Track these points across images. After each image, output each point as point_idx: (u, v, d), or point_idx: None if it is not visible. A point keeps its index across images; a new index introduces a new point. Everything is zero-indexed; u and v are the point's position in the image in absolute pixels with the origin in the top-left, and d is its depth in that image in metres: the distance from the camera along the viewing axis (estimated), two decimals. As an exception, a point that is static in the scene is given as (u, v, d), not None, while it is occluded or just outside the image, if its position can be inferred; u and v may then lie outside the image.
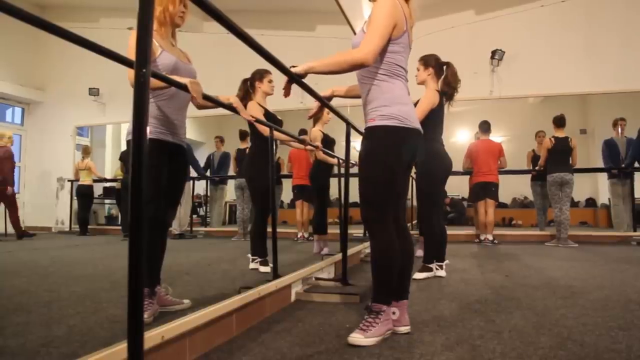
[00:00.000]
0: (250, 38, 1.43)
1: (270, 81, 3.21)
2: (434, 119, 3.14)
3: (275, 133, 2.77)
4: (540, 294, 2.46)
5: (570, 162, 5.48)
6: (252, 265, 3.10)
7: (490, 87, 6.77)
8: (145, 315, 1.57)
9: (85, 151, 7.53)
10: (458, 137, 10.52)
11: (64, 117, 8.32)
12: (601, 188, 8.95)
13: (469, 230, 6.41)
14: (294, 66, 1.74)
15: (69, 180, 8.10)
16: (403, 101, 1.74)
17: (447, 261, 3.26)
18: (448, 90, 3.20)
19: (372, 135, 1.74)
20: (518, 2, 6.70)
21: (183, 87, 1.69)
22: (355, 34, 4.64)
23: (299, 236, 5.85)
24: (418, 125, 1.77)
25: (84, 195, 7.35)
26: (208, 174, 7.23)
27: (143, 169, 0.98)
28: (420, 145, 1.82)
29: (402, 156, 1.75)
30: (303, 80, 1.78)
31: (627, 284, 2.71)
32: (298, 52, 6.55)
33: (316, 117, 4.18)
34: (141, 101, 0.99)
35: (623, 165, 5.87)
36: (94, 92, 8.13)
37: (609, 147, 6.08)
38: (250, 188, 3.31)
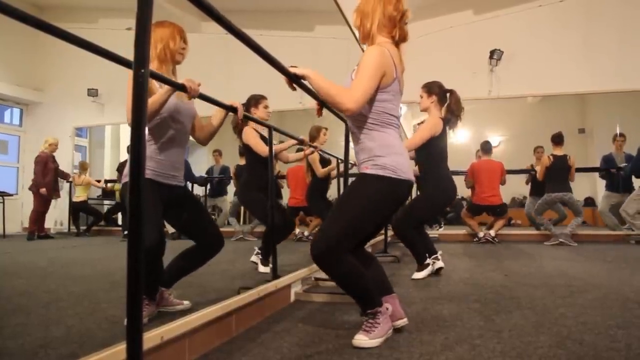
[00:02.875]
0: (248, 38, 1.43)
1: (265, 107, 3.20)
2: (437, 147, 3.17)
3: (275, 147, 2.77)
4: (539, 293, 2.46)
5: (569, 178, 5.53)
6: (253, 258, 3.17)
7: (489, 87, 6.78)
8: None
9: (83, 167, 7.55)
10: (457, 137, 10.53)
11: (62, 117, 8.30)
12: (599, 188, 8.97)
13: (468, 230, 6.41)
14: (293, 66, 1.73)
15: (67, 182, 8.08)
16: (397, 151, 1.70)
17: (440, 252, 3.29)
18: (451, 118, 3.22)
19: (363, 179, 1.70)
20: (516, 2, 6.71)
21: (181, 88, 1.69)
22: (354, 33, 4.63)
23: (296, 232, 5.85)
24: (410, 177, 1.73)
25: (78, 210, 7.43)
26: (208, 187, 7.22)
27: (141, 176, 0.98)
28: (409, 194, 1.78)
29: (386, 208, 1.72)
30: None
31: (625, 283, 2.72)
32: (297, 52, 6.57)
33: (312, 138, 4.21)
34: (140, 102, 0.99)
35: (622, 173, 5.81)
36: (92, 92, 8.12)
37: (607, 163, 6.06)
38: (249, 211, 3.35)
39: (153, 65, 1.89)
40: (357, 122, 1.72)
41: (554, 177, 5.49)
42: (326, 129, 4.31)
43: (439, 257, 3.24)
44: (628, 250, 4.60)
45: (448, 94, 3.25)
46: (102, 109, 8.27)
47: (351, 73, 1.75)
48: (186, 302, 1.99)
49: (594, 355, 1.45)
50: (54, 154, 6.62)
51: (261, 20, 7.16)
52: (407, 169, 1.71)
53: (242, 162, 6.05)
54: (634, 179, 5.83)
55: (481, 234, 5.81)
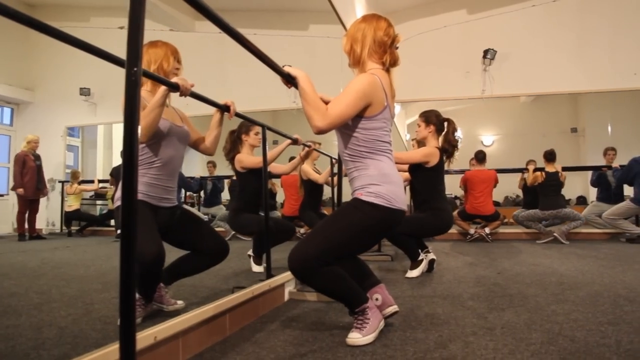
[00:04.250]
0: (242, 37, 1.43)
1: (257, 133, 3.22)
2: (435, 176, 3.20)
3: (269, 153, 2.79)
4: (531, 291, 2.48)
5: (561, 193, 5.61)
6: (250, 252, 3.28)
7: (482, 86, 6.81)
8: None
9: (74, 176, 7.52)
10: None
11: (54, 117, 8.24)
12: (591, 186, 9.07)
13: (459, 229, 6.44)
14: (287, 65, 1.73)
15: (59, 182, 8.03)
16: (392, 180, 1.68)
17: (429, 247, 3.37)
18: (449, 149, 3.25)
19: (356, 205, 1.67)
20: (510, 2, 6.75)
21: (174, 86, 1.69)
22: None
23: None
24: (403, 207, 1.72)
25: (71, 218, 7.41)
26: (202, 196, 7.24)
27: (134, 170, 0.97)
28: (400, 222, 1.75)
29: (375, 235, 1.72)
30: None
31: (616, 280, 2.75)
32: (291, 51, 6.57)
33: (305, 154, 4.22)
34: (132, 101, 0.98)
35: (613, 174, 5.85)
36: (85, 92, 8.06)
37: (599, 177, 6.11)
38: (243, 234, 3.39)
39: (146, 87, 1.88)
40: (349, 150, 1.71)
41: (546, 193, 5.55)
42: (319, 144, 4.30)
43: (430, 250, 3.32)
44: (619, 248, 4.64)
45: (445, 123, 3.27)
46: (95, 109, 8.22)
47: None
48: (180, 302, 1.99)
49: (585, 352, 1.46)
50: (37, 152, 6.55)
51: (255, 19, 7.15)
52: (401, 199, 1.70)
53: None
54: (625, 191, 5.89)
55: (472, 231, 5.86)
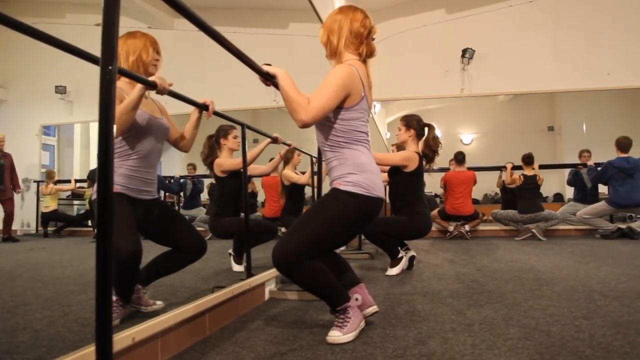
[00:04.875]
0: (220, 36, 1.42)
1: (235, 137, 3.20)
2: (414, 181, 3.23)
3: (249, 153, 2.78)
4: (509, 287, 2.52)
5: (539, 196, 5.73)
6: (231, 250, 3.24)
7: (461, 85, 6.91)
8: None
9: (49, 176, 7.36)
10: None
11: (29, 115, 8.05)
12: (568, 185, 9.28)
13: (438, 227, 6.51)
14: (267, 64, 1.72)
15: (34, 182, 7.83)
16: (370, 169, 1.70)
17: (409, 244, 3.42)
18: (429, 154, 3.27)
19: (334, 195, 1.68)
20: (488, 2, 6.86)
21: (152, 85, 1.66)
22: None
23: None
24: (382, 195, 1.73)
25: (48, 219, 7.23)
26: (182, 199, 7.20)
27: (109, 170, 0.96)
28: (379, 211, 1.77)
29: (355, 225, 1.72)
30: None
31: (590, 275, 2.82)
32: (271, 49, 6.55)
33: (287, 159, 4.17)
34: (107, 100, 0.97)
35: (589, 186, 5.98)
36: (60, 90, 7.89)
37: (574, 174, 6.25)
38: (225, 237, 3.37)
39: (125, 78, 1.85)
40: (327, 140, 1.72)
41: (524, 196, 5.66)
42: (300, 149, 4.29)
43: (410, 247, 3.36)
44: (594, 244, 4.77)
45: (426, 128, 3.29)
46: (71, 107, 8.05)
47: None
48: (159, 302, 1.96)
49: (560, 345, 1.50)
50: (9, 150, 6.37)
51: (235, 17, 7.09)
52: (379, 187, 1.71)
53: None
54: (600, 189, 6.04)
55: (451, 228, 5.94)
